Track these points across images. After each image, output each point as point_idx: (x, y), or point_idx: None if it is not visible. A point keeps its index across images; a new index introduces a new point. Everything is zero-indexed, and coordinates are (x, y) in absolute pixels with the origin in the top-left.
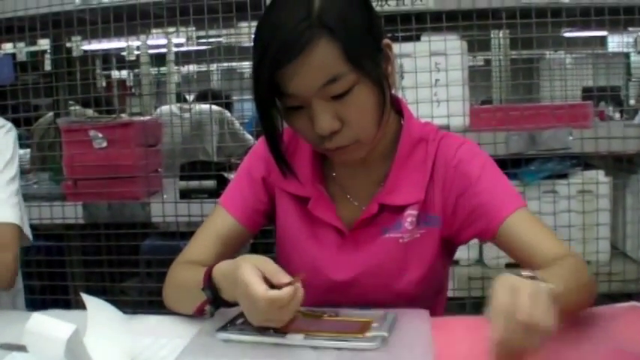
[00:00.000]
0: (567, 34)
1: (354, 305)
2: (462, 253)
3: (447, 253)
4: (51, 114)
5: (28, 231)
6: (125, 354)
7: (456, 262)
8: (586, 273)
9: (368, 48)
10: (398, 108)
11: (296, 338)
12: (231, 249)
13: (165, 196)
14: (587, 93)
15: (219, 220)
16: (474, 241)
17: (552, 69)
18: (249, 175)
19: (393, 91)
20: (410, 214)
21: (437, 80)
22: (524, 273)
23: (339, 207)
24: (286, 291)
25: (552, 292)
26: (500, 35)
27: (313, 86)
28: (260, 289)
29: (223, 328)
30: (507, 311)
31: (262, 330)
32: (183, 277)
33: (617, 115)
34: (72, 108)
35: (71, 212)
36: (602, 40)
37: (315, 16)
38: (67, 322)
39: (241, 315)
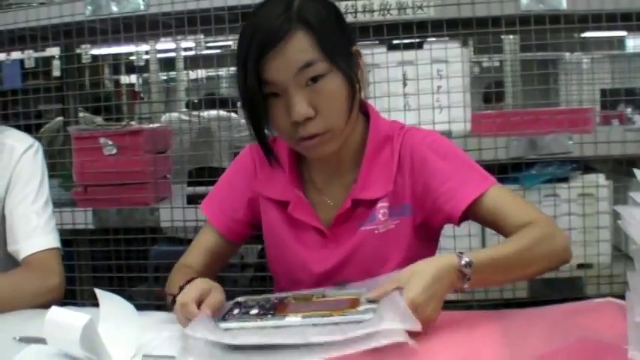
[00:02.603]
0: (584, 34)
1: None
2: (462, 242)
3: (428, 238)
4: (57, 120)
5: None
6: (134, 342)
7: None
8: (552, 240)
9: (340, 46)
10: (365, 111)
11: (294, 320)
12: (218, 259)
13: (173, 202)
14: (606, 97)
15: (207, 235)
16: (476, 232)
17: (568, 73)
18: (232, 187)
19: (362, 96)
20: (382, 207)
21: (439, 87)
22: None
23: (318, 208)
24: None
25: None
26: (511, 38)
27: (290, 71)
28: (188, 293)
29: (223, 318)
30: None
31: (261, 316)
32: (174, 280)
33: (637, 117)
34: (81, 115)
35: (81, 218)
36: (621, 42)
37: (294, 12)
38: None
39: (237, 305)
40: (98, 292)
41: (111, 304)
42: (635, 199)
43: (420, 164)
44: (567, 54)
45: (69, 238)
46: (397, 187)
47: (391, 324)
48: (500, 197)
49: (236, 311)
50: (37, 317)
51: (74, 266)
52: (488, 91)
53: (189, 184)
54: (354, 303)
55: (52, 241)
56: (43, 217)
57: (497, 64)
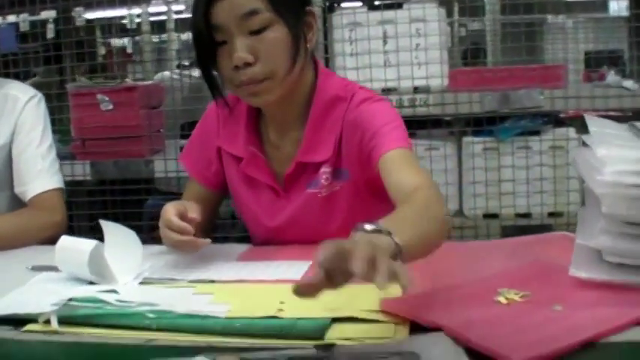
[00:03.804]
0: None
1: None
2: None
3: (376, 194)
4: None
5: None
6: (136, 267)
7: None
8: (439, 206)
9: (291, 2)
10: (316, 71)
11: None
12: (206, 208)
13: (166, 155)
14: (590, 58)
15: (191, 186)
16: (453, 193)
17: (553, 34)
18: (200, 141)
19: (318, 59)
20: (325, 172)
21: (417, 45)
22: (368, 227)
23: (274, 165)
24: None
25: (392, 249)
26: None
27: (235, 16)
28: (167, 208)
29: None
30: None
31: None
32: None
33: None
34: (78, 79)
35: (79, 170)
36: (603, 5)
37: None
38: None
39: None
40: (103, 222)
41: (115, 232)
42: (585, 141)
43: (354, 129)
44: (550, 16)
45: (68, 189)
46: (340, 152)
47: None
48: (402, 160)
49: None
50: (48, 252)
51: (73, 216)
52: (473, 47)
53: (182, 136)
54: None
55: (56, 182)
56: (47, 160)
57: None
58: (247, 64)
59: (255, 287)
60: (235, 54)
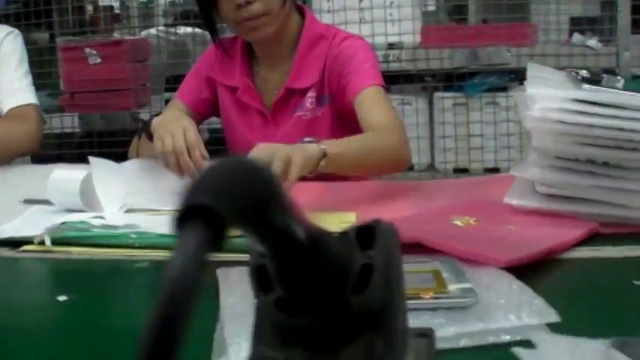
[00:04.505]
0: None
1: None
2: (413, 159)
3: (351, 123)
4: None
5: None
6: (121, 197)
7: (410, 168)
8: (392, 139)
9: None
10: (303, 14)
11: None
12: None
13: (152, 108)
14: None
15: (175, 108)
16: (425, 147)
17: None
18: (199, 72)
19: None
20: (310, 96)
21: (391, 2)
22: (307, 139)
23: (264, 95)
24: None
25: (317, 154)
26: None
27: None
28: (192, 129)
29: None
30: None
31: None
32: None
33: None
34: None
35: (68, 122)
36: None
37: None
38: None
39: None
40: (91, 158)
41: (102, 166)
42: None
43: (336, 61)
44: None
45: (57, 142)
46: (323, 80)
47: (529, 320)
48: (371, 98)
49: None
50: (40, 188)
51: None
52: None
53: (167, 89)
54: (439, 280)
55: (32, 98)
56: (23, 82)
57: None
58: (248, 3)
59: None
60: None
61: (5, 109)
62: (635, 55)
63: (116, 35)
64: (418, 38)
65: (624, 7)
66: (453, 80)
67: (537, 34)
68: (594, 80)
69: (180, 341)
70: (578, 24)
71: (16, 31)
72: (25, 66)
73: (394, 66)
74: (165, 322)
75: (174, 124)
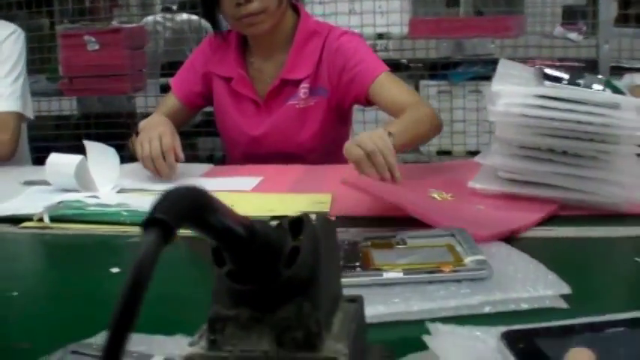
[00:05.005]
0: None
1: (270, 155)
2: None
3: (339, 118)
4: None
5: (30, 113)
6: (114, 178)
7: None
8: (425, 110)
9: None
10: (297, 11)
11: (396, 276)
12: (175, 122)
13: (147, 93)
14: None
15: (168, 101)
16: None
17: None
18: (192, 66)
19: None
20: (304, 87)
21: None
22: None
23: (257, 84)
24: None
25: (387, 132)
26: None
27: None
28: (169, 136)
29: None
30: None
31: (349, 268)
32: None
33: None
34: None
35: (67, 105)
36: None
37: None
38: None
39: None
40: (86, 142)
41: (96, 149)
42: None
43: (335, 56)
44: None
45: (55, 123)
46: (318, 73)
47: (544, 291)
48: (389, 82)
49: None
50: (38, 170)
51: (60, 148)
52: None
53: (162, 75)
54: (454, 254)
55: (14, 106)
56: (10, 88)
57: None
58: (247, 1)
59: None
60: None
61: None
62: (617, 48)
63: (115, 23)
64: (406, 29)
65: (605, 1)
66: (437, 69)
67: (522, 27)
68: (557, 78)
69: (141, 300)
70: (571, 15)
71: (19, 30)
72: (18, 69)
73: (381, 55)
74: (132, 289)
75: (153, 131)
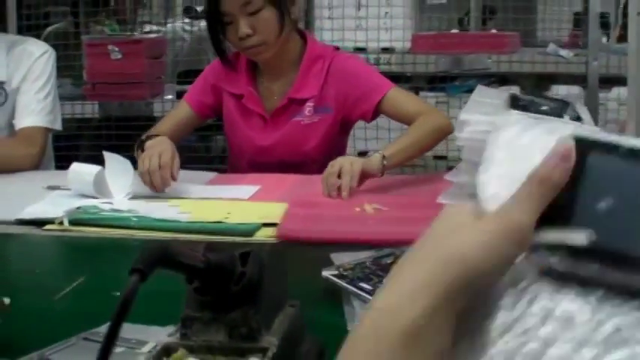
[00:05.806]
0: None
1: (274, 163)
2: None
3: (343, 131)
4: (66, 21)
5: (59, 125)
6: (129, 186)
7: None
8: (434, 120)
9: None
10: (304, 36)
11: None
12: (184, 129)
13: (164, 98)
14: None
15: (179, 108)
16: None
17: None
18: (205, 80)
19: (301, 28)
20: (309, 106)
21: (386, 13)
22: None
23: (265, 101)
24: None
25: (382, 155)
26: None
27: (238, 4)
28: (169, 153)
29: None
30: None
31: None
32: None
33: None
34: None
35: (89, 109)
36: None
37: None
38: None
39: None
40: (105, 153)
41: (113, 160)
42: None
43: (342, 77)
44: None
45: (77, 125)
46: (322, 93)
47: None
48: (397, 96)
49: None
50: (61, 175)
51: (81, 147)
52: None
53: (179, 82)
54: None
55: (43, 121)
56: (41, 104)
57: None
58: (248, 36)
59: (211, 202)
60: (240, 30)
61: (17, 127)
62: (605, 64)
63: (136, 34)
64: (408, 44)
65: (593, 21)
66: (436, 82)
67: (516, 43)
68: (523, 105)
69: (127, 314)
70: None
71: (50, 50)
72: (49, 87)
73: (384, 68)
74: (121, 310)
75: (154, 149)
